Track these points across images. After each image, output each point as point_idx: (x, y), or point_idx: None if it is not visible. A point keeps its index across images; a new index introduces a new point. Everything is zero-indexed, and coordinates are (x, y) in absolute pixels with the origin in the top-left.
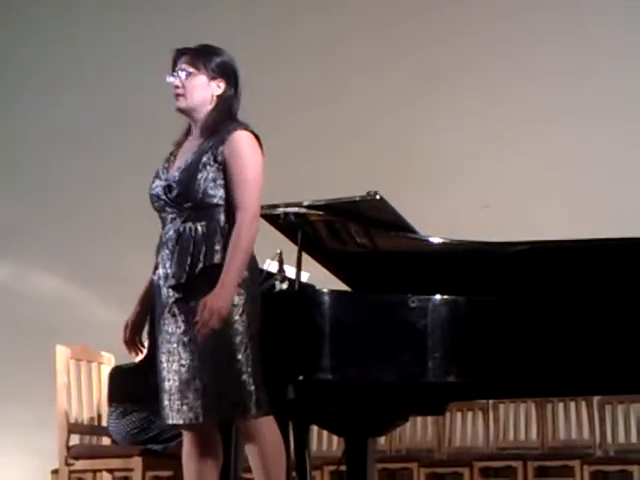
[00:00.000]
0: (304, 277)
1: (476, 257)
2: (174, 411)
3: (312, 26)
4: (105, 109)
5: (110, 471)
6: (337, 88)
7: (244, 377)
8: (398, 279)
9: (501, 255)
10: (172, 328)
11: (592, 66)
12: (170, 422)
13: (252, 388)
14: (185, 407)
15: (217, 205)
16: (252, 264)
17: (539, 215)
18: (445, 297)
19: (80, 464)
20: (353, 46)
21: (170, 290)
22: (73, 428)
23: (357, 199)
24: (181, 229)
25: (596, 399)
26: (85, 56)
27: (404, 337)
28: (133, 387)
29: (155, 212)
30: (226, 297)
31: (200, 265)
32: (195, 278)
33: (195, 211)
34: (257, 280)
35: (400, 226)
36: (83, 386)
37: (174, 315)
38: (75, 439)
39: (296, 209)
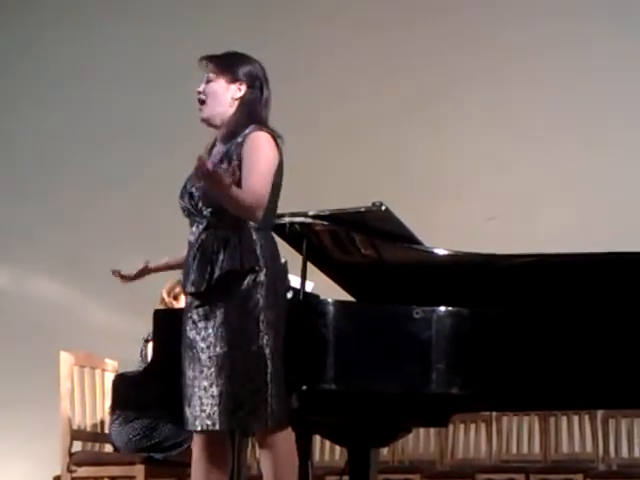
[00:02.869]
0: (309, 287)
1: (481, 269)
2: (193, 417)
3: (314, 36)
4: (106, 112)
5: (112, 478)
6: (341, 99)
7: (260, 386)
8: (402, 290)
9: (506, 267)
10: (192, 334)
11: (593, 75)
12: (189, 428)
13: (269, 398)
14: (203, 414)
15: None
16: (276, 274)
17: (543, 226)
18: (449, 308)
19: (82, 471)
20: (357, 57)
21: (189, 296)
22: (76, 435)
23: (362, 210)
24: (203, 236)
25: (600, 413)
26: (86, 58)
27: (408, 348)
28: (137, 395)
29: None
30: (217, 189)
31: (218, 272)
32: (214, 286)
33: (216, 218)
34: (279, 290)
35: (405, 237)
36: (87, 393)
37: (194, 322)
38: (77, 446)
39: (301, 219)
